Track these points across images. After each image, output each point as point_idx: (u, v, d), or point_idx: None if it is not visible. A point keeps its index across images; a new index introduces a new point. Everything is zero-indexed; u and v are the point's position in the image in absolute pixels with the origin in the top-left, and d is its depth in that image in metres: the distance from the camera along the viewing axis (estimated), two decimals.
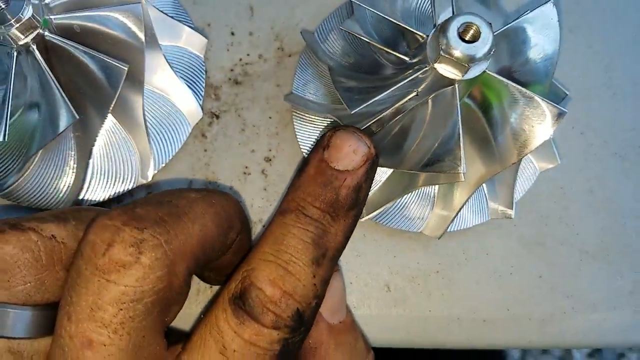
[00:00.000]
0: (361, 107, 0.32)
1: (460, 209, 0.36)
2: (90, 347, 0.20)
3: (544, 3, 0.34)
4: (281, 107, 0.39)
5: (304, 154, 0.38)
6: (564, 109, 0.32)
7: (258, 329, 0.21)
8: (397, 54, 0.34)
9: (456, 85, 0.31)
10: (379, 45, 0.34)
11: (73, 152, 0.36)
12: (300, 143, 0.38)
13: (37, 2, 0.30)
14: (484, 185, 0.38)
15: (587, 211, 0.39)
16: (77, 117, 0.31)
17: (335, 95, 0.36)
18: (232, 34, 0.40)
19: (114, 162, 0.36)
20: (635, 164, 0.40)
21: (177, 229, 0.21)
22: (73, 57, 0.32)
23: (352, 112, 0.32)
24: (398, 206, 0.37)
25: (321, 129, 0.38)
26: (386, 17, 0.33)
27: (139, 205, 0.22)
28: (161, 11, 0.36)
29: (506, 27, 0.33)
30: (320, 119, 0.38)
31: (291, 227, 0.23)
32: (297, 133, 0.38)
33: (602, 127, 0.41)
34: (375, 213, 0.36)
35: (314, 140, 0.38)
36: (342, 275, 0.32)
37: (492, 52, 0.30)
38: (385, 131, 0.35)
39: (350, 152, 0.25)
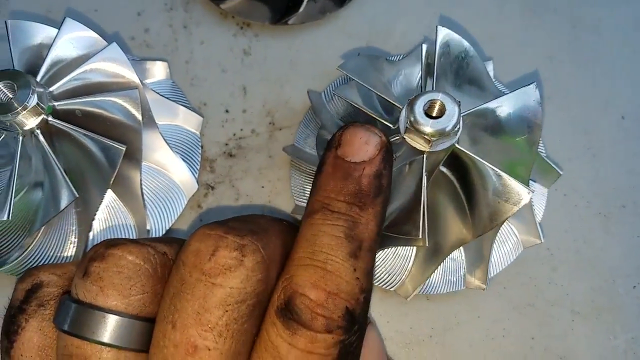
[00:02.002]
0: None
1: (433, 271, 0.36)
2: (195, 353, 0.20)
3: (528, 84, 0.36)
4: (273, 177, 0.41)
5: (295, 202, 0.40)
6: (530, 188, 0.33)
7: (312, 336, 0.21)
8: (382, 121, 0.36)
9: (424, 156, 0.33)
10: (368, 112, 0.36)
11: (74, 227, 0.38)
12: (293, 192, 0.40)
13: (41, 90, 0.33)
14: (462, 255, 0.39)
15: (575, 271, 0.40)
16: (77, 195, 0.32)
17: None
18: (227, 111, 0.43)
19: (112, 235, 0.37)
20: (620, 222, 0.41)
21: (267, 239, 0.22)
22: (74, 139, 0.34)
23: None
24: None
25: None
26: (368, 87, 0.35)
27: (228, 221, 0.24)
28: (159, 94, 0.38)
29: (484, 105, 0.35)
30: (314, 169, 0.40)
31: (320, 226, 0.23)
32: (291, 182, 0.40)
33: (584, 188, 0.42)
34: None
35: (305, 189, 0.40)
36: (376, 327, 0.30)
37: (457, 128, 0.31)
38: None
39: (362, 144, 0.24)
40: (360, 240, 0.23)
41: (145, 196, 0.37)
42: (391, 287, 0.38)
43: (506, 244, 0.39)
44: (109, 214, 0.38)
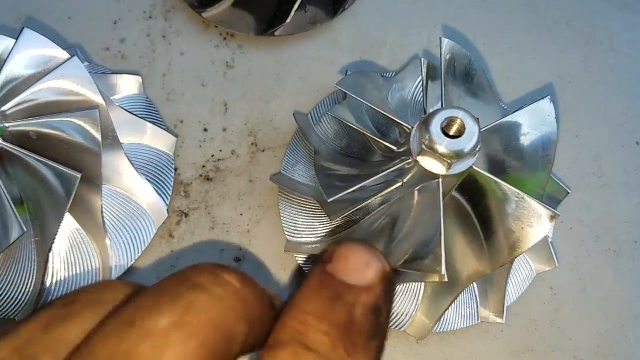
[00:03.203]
0: (338, 195, 0.30)
1: (447, 308, 0.33)
2: None
3: (541, 98, 0.32)
4: (253, 203, 0.38)
5: (287, 237, 0.36)
6: (556, 212, 0.30)
7: None
8: (385, 143, 0.33)
9: (440, 180, 0.29)
10: (368, 134, 0.33)
11: (34, 257, 0.35)
12: (284, 225, 0.36)
13: None
14: (475, 286, 0.35)
15: (580, 313, 0.36)
16: (25, 230, 0.30)
17: None
18: (205, 129, 0.39)
19: (75, 267, 0.34)
20: (631, 259, 0.38)
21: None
22: (28, 164, 0.31)
23: (329, 200, 0.30)
24: None
25: (307, 212, 0.36)
26: (372, 106, 0.32)
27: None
28: (127, 110, 0.35)
29: (499, 121, 0.32)
30: (306, 200, 0.36)
31: None
32: (281, 215, 0.36)
33: (593, 221, 0.38)
34: None
35: (298, 222, 0.36)
36: None
37: (477, 148, 0.28)
38: (372, 220, 0.33)
39: (360, 265, 0.18)
40: None
41: (108, 224, 0.34)
42: (401, 327, 0.34)
43: (519, 272, 0.36)
44: (72, 245, 0.34)
